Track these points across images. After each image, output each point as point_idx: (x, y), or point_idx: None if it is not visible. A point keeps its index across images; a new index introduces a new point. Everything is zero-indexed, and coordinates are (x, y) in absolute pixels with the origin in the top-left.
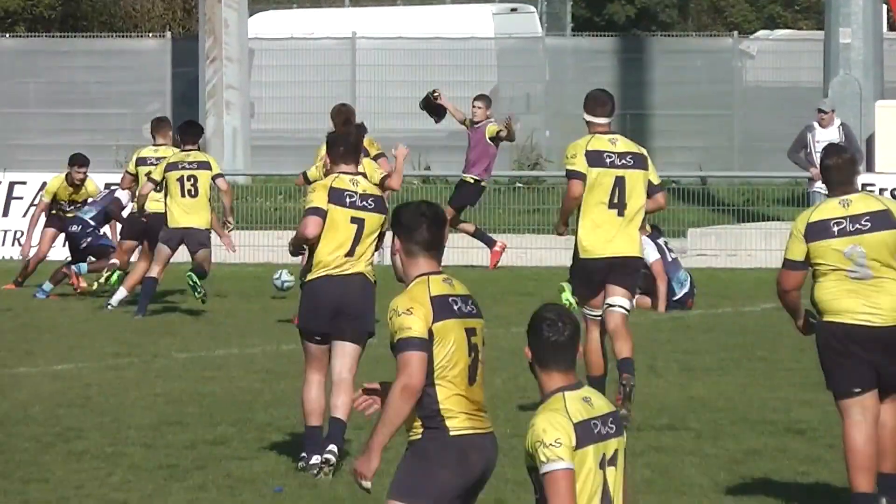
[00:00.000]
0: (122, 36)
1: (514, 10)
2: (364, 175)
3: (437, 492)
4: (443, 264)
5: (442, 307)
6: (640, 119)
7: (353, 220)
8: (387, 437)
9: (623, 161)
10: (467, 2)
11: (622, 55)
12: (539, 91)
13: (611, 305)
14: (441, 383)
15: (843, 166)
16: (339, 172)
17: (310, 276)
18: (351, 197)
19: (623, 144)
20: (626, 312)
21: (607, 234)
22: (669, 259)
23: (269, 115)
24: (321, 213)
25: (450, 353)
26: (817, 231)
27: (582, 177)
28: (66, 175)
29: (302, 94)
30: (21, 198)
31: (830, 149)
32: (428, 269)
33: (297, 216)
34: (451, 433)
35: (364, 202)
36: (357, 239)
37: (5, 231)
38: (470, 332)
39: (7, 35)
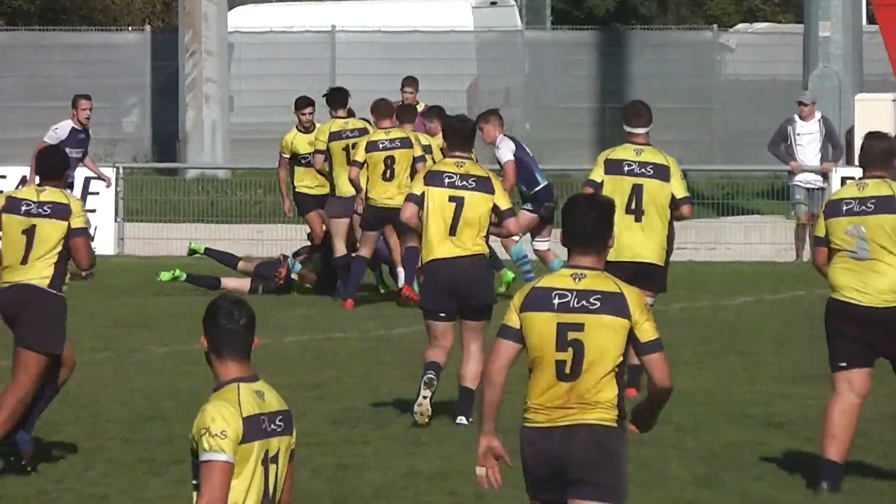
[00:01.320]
0: (102, 30)
1: (493, 3)
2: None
3: None
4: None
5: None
6: (620, 113)
7: (452, 199)
8: None
9: (643, 170)
10: None
11: (602, 48)
12: (519, 84)
13: None
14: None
15: (872, 151)
16: (452, 157)
17: (425, 258)
18: (450, 178)
19: (648, 154)
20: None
21: (625, 239)
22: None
23: (248, 109)
24: (415, 199)
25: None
26: (832, 209)
27: (592, 184)
28: (297, 125)
29: (281, 88)
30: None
31: (869, 133)
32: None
33: (277, 210)
34: None
35: (464, 182)
36: (456, 218)
37: None
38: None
39: None
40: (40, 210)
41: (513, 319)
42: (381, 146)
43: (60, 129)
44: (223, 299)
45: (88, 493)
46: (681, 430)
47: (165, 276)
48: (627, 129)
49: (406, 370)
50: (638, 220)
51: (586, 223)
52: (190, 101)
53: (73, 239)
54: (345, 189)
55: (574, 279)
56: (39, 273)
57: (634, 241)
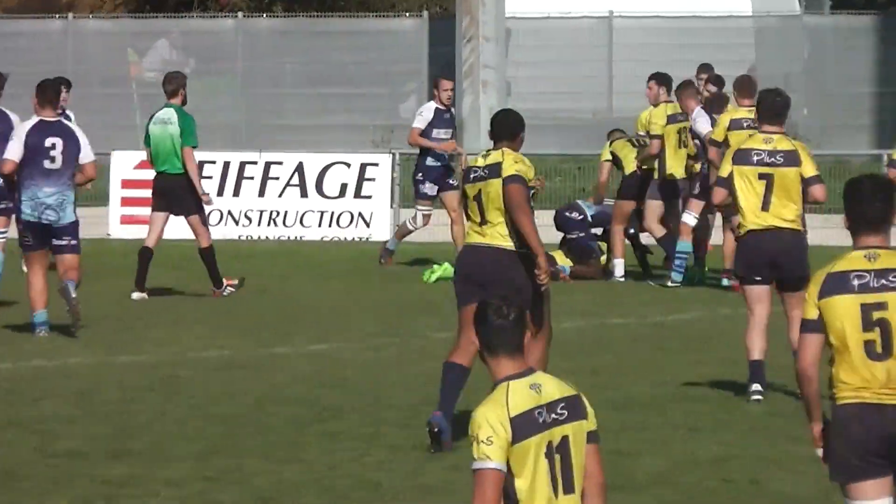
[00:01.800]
0: (379, 16)
1: None
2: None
3: None
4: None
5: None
6: None
7: (762, 176)
8: None
9: (773, 159)
10: None
11: (882, 33)
12: (797, 69)
13: None
14: None
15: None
16: (762, 132)
17: (742, 230)
18: (759, 155)
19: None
20: None
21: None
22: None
23: (525, 95)
24: (723, 183)
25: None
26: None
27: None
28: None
29: (558, 74)
30: (277, 178)
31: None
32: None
33: (552, 196)
34: None
35: (773, 158)
36: (768, 192)
37: (261, 211)
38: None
39: (265, 15)
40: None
41: (811, 312)
42: (744, 125)
43: (426, 112)
44: (492, 297)
45: (366, 479)
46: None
47: (435, 272)
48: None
49: (685, 356)
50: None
51: (874, 204)
52: (467, 87)
53: None
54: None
55: (868, 259)
56: None
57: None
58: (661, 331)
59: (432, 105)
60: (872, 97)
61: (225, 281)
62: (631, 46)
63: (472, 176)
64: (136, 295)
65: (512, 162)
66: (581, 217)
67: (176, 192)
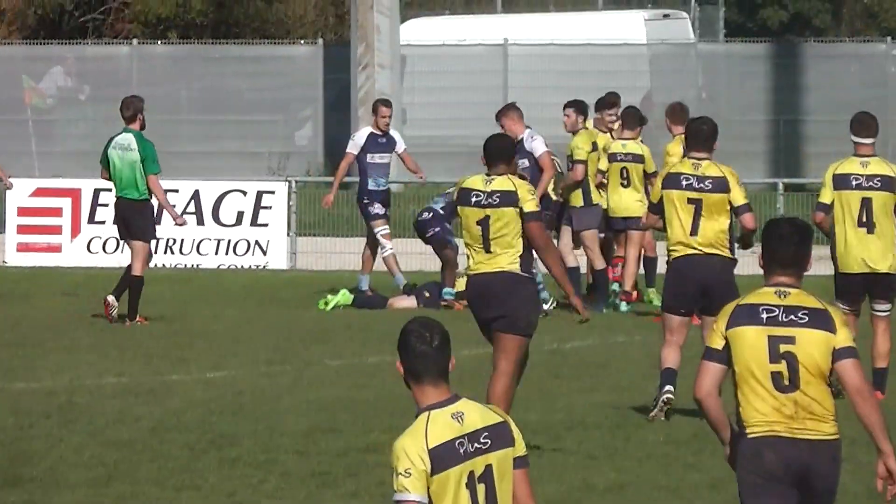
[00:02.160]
0: (275, 42)
1: (666, 15)
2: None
3: None
4: None
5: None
6: (794, 125)
7: (690, 201)
8: None
9: (870, 183)
10: (619, 8)
11: (776, 60)
12: (692, 97)
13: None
14: None
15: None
16: (689, 157)
17: (672, 255)
18: (687, 180)
19: (874, 166)
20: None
21: (860, 251)
22: None
23: (420, 122)
24: (654, 209)
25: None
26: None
27: (823, 208)
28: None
29: (454, 101)
30: (174, 206)
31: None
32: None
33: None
34: None
35: (701, 184)
36: (697, 217)
37: (158, 239)
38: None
39: (159, 42)
40: None
41: (716, 342)
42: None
43: (358, 137)
44: (414, 322)
45: None
46: (855, 443)
47: (329, 302)
48: (855, 139)
49: (580, 383)
50: (871, 231)
51: (789, 248)
52: (362, 114)
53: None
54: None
55: (779, 296)
56: None
57: (869, 252)
58: (556, 358)
59: (367, 130)
60: (767, 124)
61: (138, 318)
62: (526, 74)
63: (472, 199)
64: (128, 323)
65: (528, 195)
66: (431, 214)
67: (134, 217)
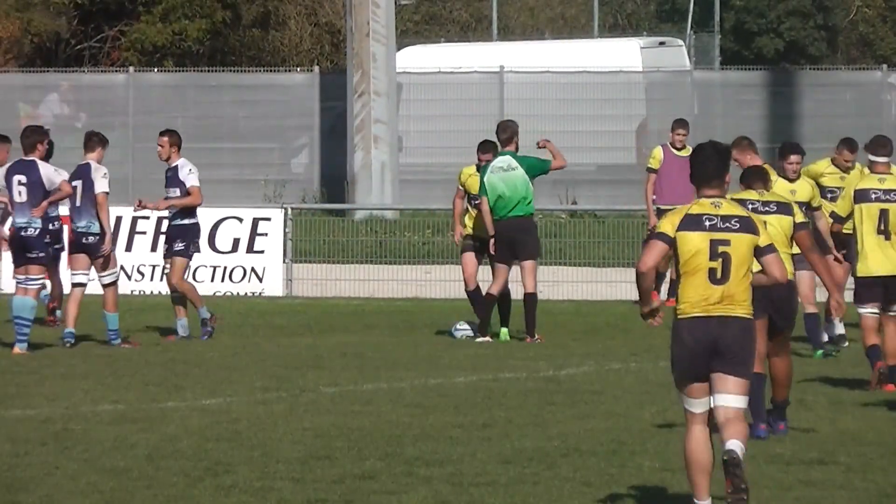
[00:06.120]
0: (270, 70)
1: (662, 43)
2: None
3: None
4: None
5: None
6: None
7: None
8: None
9: (888, 196)
10: (615, 36)
11: (771, 88)
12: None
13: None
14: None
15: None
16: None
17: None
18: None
19: (890, 182)
20: None
21: (878, 256)
22: None
23: (417, 150)
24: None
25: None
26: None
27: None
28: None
29: (450, 128)
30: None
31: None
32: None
33: (445, 250)
34: None
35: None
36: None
37: (154, 266)
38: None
39: (155, 70)
40: None
41: (668, 229)
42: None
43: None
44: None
45: None
46: (851, 470)
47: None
48: (872, 158)
49: (575, 410)
50: (888, 238)
51: (711, 164)
52: (358, 141)
53: None
54: None
55: (714, 206)
56: None
57: (886, 257)
58: (552, 385)
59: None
60: (762, 152)
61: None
62: (522, 101)
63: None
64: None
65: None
66: None
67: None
